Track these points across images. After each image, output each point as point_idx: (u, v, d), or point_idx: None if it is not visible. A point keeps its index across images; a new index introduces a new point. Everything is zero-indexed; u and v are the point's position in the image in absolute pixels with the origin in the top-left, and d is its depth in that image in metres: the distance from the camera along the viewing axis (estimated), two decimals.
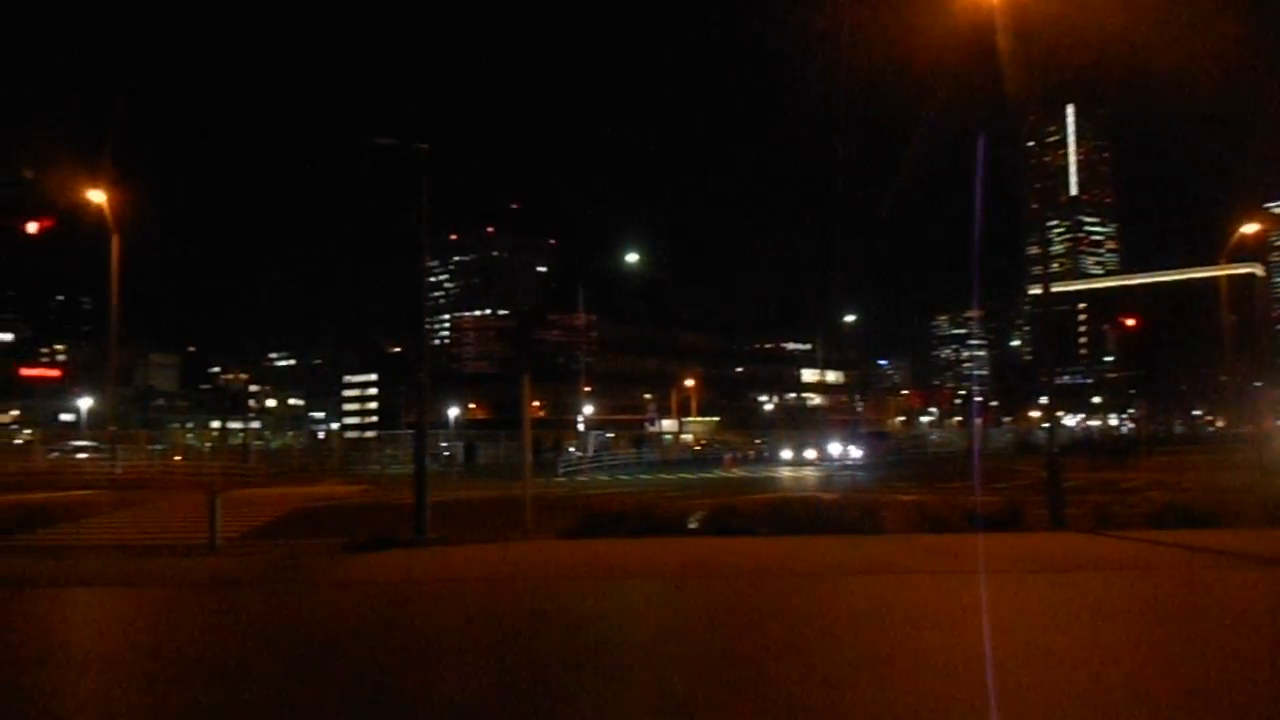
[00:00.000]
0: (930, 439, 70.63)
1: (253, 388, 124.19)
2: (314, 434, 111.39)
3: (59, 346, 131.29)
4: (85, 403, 73.62)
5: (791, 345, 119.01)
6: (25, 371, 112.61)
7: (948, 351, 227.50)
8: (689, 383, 76.57)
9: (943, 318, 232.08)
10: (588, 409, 50.94)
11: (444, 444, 48.70)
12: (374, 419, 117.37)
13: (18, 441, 63.44)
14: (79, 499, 26.64)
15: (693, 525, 15.93)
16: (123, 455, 37.69)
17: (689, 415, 76.92)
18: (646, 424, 62.67)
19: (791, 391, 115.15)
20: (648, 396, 71.01)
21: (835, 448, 49.38)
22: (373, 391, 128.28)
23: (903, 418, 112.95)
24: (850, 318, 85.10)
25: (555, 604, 10.40)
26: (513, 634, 8.73)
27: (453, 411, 66.63)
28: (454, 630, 9.18)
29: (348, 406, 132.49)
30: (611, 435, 58.58)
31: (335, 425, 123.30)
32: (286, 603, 11.15)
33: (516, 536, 15.80)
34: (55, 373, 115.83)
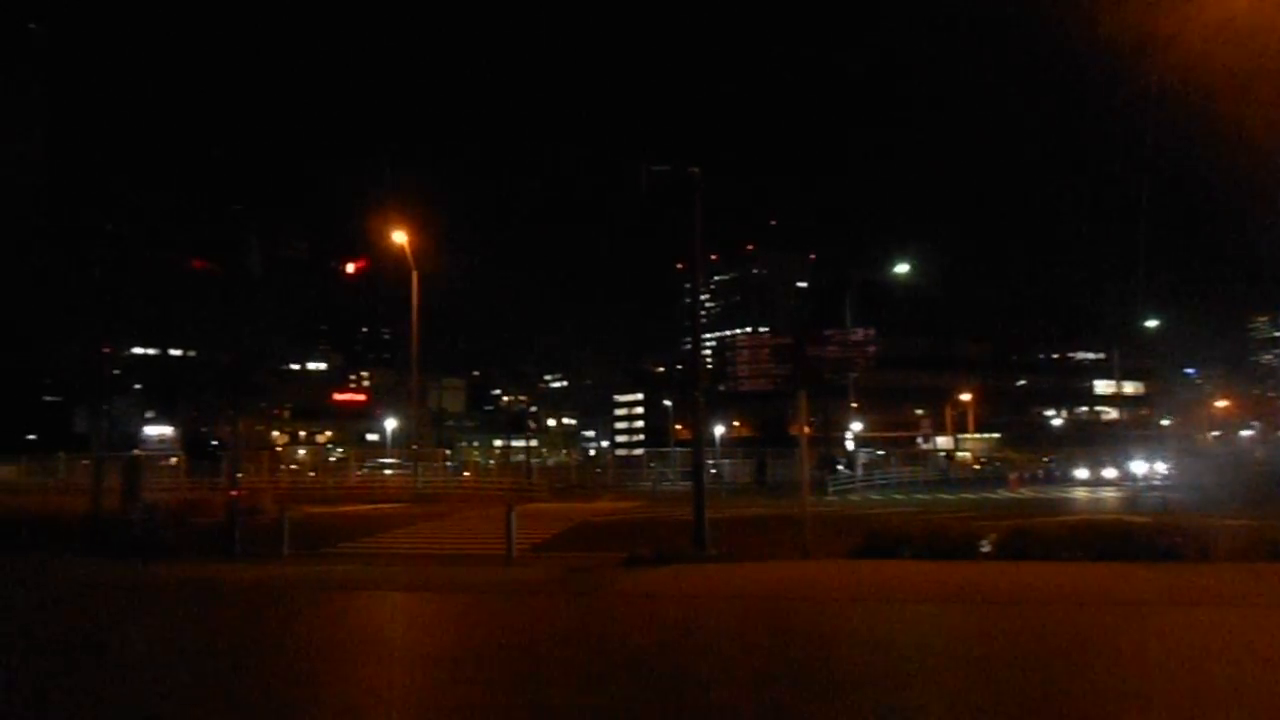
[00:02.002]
0: (1254, 455, 62.71)
1: (530, 409, 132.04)
2: (586, 451, 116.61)
3: (364, 373, 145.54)
4: (390, 423, 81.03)
5: (1082, 355, 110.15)
6: (337, 396, 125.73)
7: (1269, 357, 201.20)
8: (965, 397, 72.90)
9: (1261, 319, 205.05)
10: (856, 425, 49.72)
11: (710, 462, 49.14)
12: (641, 436, 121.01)
13: (332, 459, 71.03)
14: (388, 511, 29.23)
15: (985, 548, 14.95)
16: (422, 471, 40.81)
17: (965, 431, 73.26)
18: (920, 440, 60.13)
19: (1083, 405, 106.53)
20: (920, 412, 68.28)
21: (1139, 466, 45.06)
22: (639, 410, 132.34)
23: (1217, 432, 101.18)
24: (1152, 323, 77.34)
25: (842, 626, 10.08)
26: (797, 655, 8.50)
27: (718, 430, 67.34)
28: (740, 649, 9.08)
29: (617, 425, 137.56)
30: (882, 453, 56.83)
31: (605, 443, 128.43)
32: (578, 613, 11.55)
33: (796, 555, 15.54)
34: (362, 397, 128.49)
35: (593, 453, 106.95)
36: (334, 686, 7.47)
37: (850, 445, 48.71)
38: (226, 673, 8.07)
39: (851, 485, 40.66)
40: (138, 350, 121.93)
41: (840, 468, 43.89)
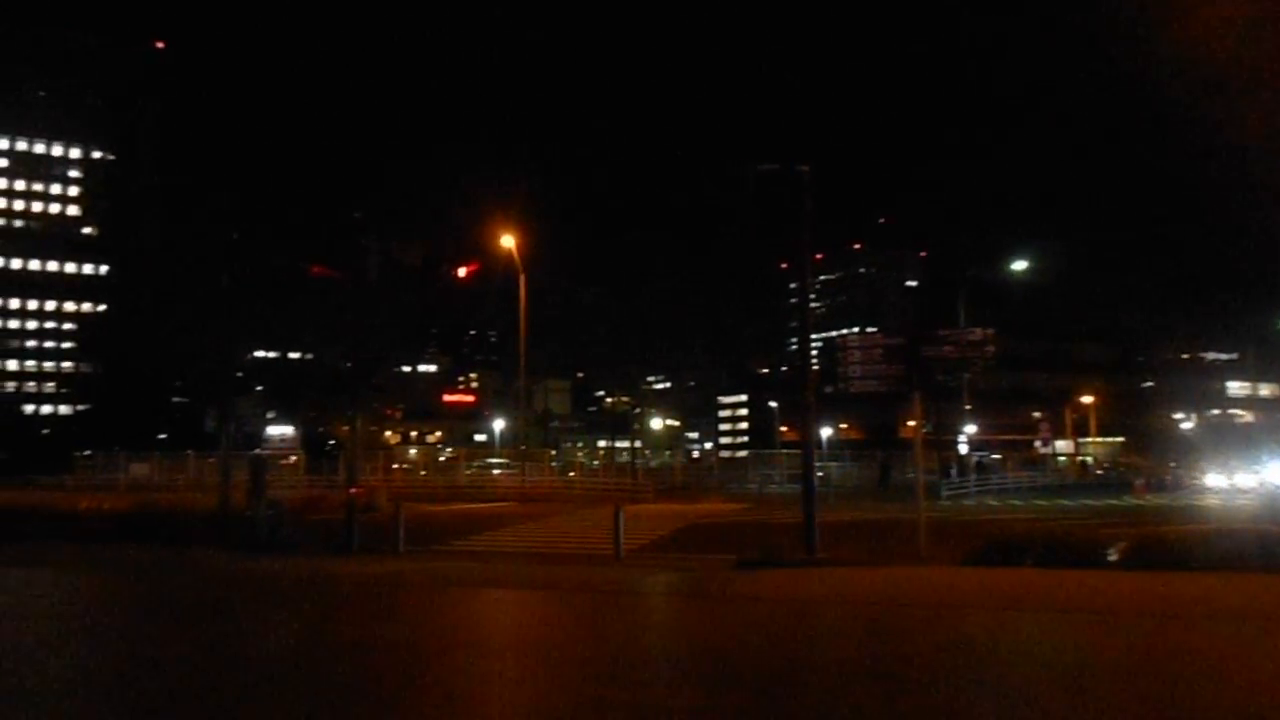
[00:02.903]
0: None
1: (634, 409, 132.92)
2: (689, 453, 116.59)
3: (472, 375, 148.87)
4: (497, 424, 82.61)
5: (1213, 355, 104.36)
6: (447, 398, 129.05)
7: None
8: (1087, 399, 70.00)
9: None
10: (970, 428, 48.29)
11: (817, 464, 48.18)
12: (745, 438, 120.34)
13: (442, 459, 72.75)
14: (496, 510, 29.77)
15: (1112, 557, 14.28)
16: (529, 471, 41.37)
17: (1086, 435, 70.38)
18: (1037, 444, 57.93)
19: (1214, 408, 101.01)
20: (1037, 415, 65.92)
21: (1276, 471, 42.45)
22: (743, 412, 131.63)
23: None
24: None
25: (962, 634, 9.76)
26: (918, 663, 8.26)
27: (825, 432, 66.46)
28: (857, 654, 8.89)
29: (721, 427, 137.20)
30: (997, 456, 55.08)
31: (709, 445, 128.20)
32: (690, 615, 11.50)
33: (910, 561, 15.17)
34: (470, 398, 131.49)
35: (696, 454, 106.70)
36: (454, 681, 7.60)
37: (964, 449, 47.29)
38: (356, 666, 8.29)
39: (965, 490, 39.49)
40: (259, 353, 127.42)
41: (968, 475, 42.39)
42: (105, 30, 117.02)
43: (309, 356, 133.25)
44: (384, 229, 19.41)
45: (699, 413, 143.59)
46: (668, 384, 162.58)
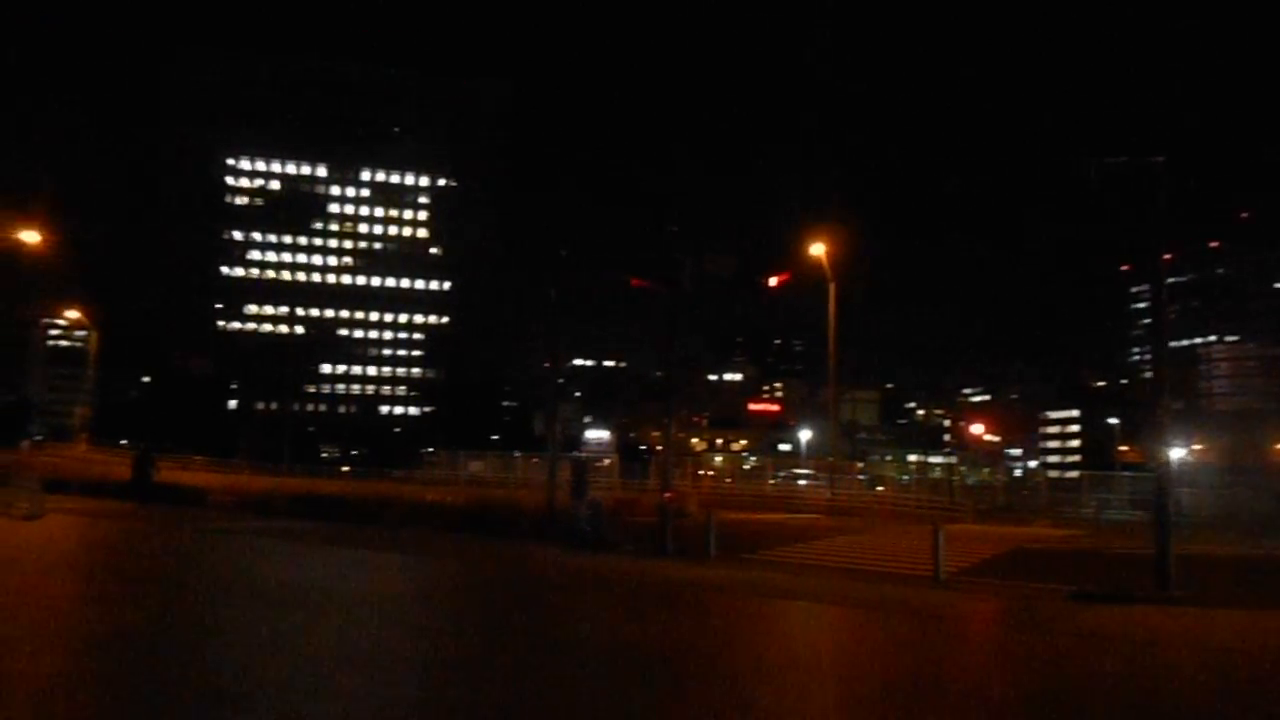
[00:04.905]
0: None
1: (946, 423, 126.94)
2: (1011, 471, 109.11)
3: (777, 384, 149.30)
4: (804, 434, 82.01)
5: None
6: (752, 406, 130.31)
7: None
8: None
9: None
10: None
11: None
12: (1075, 457, 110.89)
13: (747, 467, 73.28)
14: (803, 522, 29.33)
15: None
16: (836, 484, 40.42)
17: None
18: None
19: None
20: None
21: None
22: (1074, 429, 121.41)
23: None
24: None
25: None
26: None
27: (1174, 453, 59.59)
28: (1211, 709, 7.68)
29: (1047, 444, 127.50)
30: None
31: (1032, 463, 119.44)
32: (1024, 649, 10.57)
33: None
34: (775, 407, 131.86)
35: (1019, 473, 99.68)
36: (765, 693, 7.40)
37: None
38: (698, 668, 8.35)
39: None
40: (577, 361, 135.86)
41: None
42: (450, 70, 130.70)
43: (622, 364, 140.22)
44: (698, 242, 19.79)
45: (1021, 428, 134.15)
46: (986, 396, 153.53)
